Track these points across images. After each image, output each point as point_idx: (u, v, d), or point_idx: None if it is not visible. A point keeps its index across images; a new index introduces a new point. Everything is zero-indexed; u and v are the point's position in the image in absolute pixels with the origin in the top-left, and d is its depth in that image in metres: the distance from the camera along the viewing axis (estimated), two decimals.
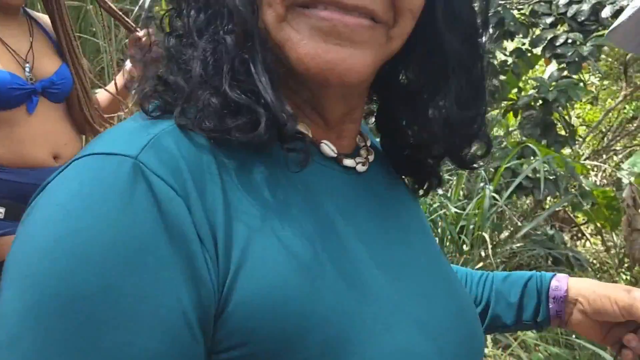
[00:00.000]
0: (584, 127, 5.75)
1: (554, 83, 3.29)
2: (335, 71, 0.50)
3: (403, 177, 0.72)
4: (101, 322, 0.40)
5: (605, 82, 6.11)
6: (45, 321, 0.41)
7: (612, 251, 5.35)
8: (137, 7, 3.18)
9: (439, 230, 3.43)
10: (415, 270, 0.59)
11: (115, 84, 1.87)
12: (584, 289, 0.82)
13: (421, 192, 0.72)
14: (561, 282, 0.83)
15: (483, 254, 3.45)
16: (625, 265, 5.09)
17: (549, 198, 4.85)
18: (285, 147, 0.51)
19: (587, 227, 5.73)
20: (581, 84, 3.49)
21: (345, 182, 0.59)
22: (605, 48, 5.89)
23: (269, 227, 0.48)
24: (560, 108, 3.34)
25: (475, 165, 0.68)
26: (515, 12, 3.66)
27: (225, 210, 0.46)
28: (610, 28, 1.04)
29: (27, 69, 1.64)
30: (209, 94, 0.50)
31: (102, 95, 1.92)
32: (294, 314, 0.45)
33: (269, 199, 0.50)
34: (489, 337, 2.87)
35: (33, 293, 0.41)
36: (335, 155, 0.59)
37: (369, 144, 0.67)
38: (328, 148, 0.58)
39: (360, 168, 0.61)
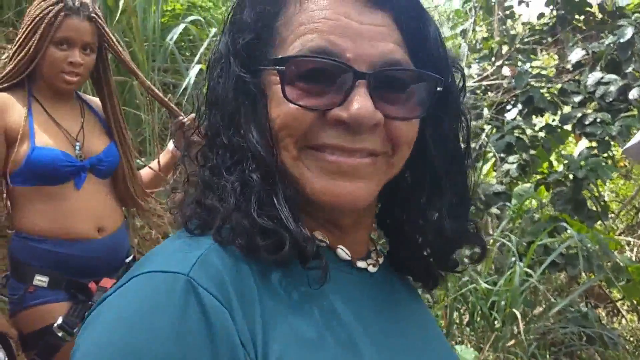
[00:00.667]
0: (618, 202, 5.68)
1: (583, 161, 3.31)
2: (344, 201, 0.60)
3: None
4: None
5: None
6: None
7: None
8: (183, 83, 3.36)
9: (469, 304, 3.39)
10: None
11: (159, 161, 1.97)
12: None
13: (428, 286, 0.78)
14: None
15: (515, 330, 3.38)
16: None
17: (583, 274, 4.75)
18: (307, 266, 0.59)
19: (624, 304, 5.56)
20: (610, 162, 3.49)
21: (356, 283, 0.66)
22: (638, 125, 5.91)
23: (298, 338, 0.55)
24: (590, 185, 3.33)
25: (458, 269, 0.75)
26: (544, 90, 3.73)
27: (262, 321, 0.53)
28: (626, 146, 1.10)
29: (77, 147, 1.74)
30: (241, 216, 0.58)
31: (144, 172, 2.02)
32: None
33: (296, 312, 0.57)
34: None
35: None
36: (350, 258, 0.67)
37: (378, 249, 0.75)
38: (343, 252, 0.67)
39: (371, 269, 0.69)
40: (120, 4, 2.91)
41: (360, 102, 0.58)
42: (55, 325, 1.63)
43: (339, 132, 0.60)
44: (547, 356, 3.64)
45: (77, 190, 1.72)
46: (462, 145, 0.71)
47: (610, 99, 3.37)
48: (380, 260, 0.73)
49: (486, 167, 4.66)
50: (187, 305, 0.50)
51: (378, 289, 0.69)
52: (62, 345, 1.64)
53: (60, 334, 1.63)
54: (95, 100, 1.90)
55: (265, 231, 0.58)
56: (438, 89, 0.63)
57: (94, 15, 1.73)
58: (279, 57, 0.60)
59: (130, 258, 1.86)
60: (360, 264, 0.68)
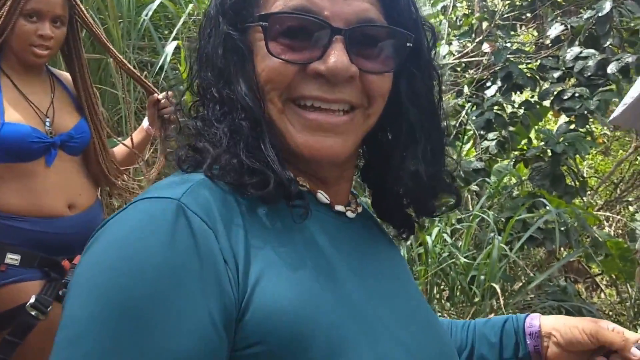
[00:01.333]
0: (596, 178, 5.74)
1: (562, 136, 3.33)
2: (323, 154, 0.67)
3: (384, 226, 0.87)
4: (151, 326, 0.53)
5: (617, 133, 6.13)
6: (107, 324, 0.52)
7: (628, 303, 5.26)
8: (158, 60, 3.31)
9: (449, 279, 3.42)
10: (399, 300, 0.73)
11: (132, 139, 1.94)
12: (555, 323, 0.90)
13: (402, 235, 0.86)
14: (534, 319, 0.93)
15: (495, 305, 3.42)
16: None
17: (562, 249, 4.82)
18: (290, 203, 0.65)
19: (602, 279, 5.66)
20: (589, 137, 3.52)
21: (336, 224, 0.73)
22: (616, 99, 5.96)
23: (279, 259, 0.61)
24: (569, 160, 3.36)
25: (436, 213, 0.81)
26: (523, 66, 3.74)
27: (245, 243, 0.60)
28: (614, 114, 1.11)
29: (47, 123, 1.71)
30: (230, 157, 0.65)
31: (119, 149, 1.99)
32: (298, 322, 0.57)
33: (279, 238, 0.63)
34: None
35: (97, 302, 0.53)
36: (329, 202, 0.73)
37: (358, 201, 0.81)
38: (322, 196, 0.73)
39: (349, 214, 0.75)
40: None
41: (337, 56, 0.64)
42: (28, 304, 1.62)
43: (319, 85, 0.66)
44: None
45: (48, 167, 1.69)
46: (435, 98, 0.76)
47: (589, 74, 3.39)
48: (359, 209, 0.78)
49: (467, 146, 4.69)
50: (176, 225, 0.57)
51: (356, 233, 0.75)
52: (35, 324, 1.62)
53: (33, 313, 1.61)
54: (66, 75, 1.86)
55: (253, 171, 0.64)
56: (408, 44, 0.68)
57: None
58: (262, 14, 0.66)
59: None
60: (339, 207, 0.74)
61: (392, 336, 0.65)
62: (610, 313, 5.63)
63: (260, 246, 0.61)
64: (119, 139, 2.99)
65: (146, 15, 2.98)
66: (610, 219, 5.60)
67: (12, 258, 1.65)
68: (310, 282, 0.61)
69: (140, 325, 0.53)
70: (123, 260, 0.55)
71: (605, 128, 6.34)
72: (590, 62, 3.32)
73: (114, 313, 0.53)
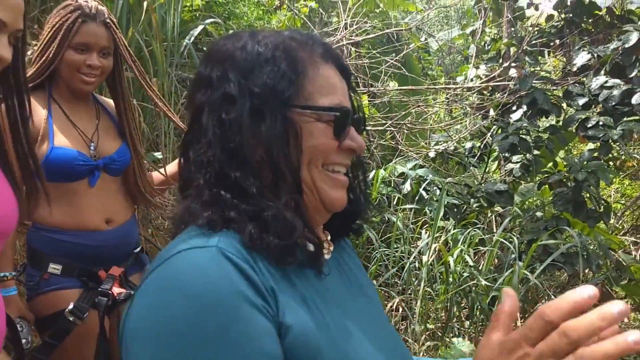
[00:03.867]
0: (622, 203, 5.72)
1: (585, 164, 3.38)
2: (342, 205, 0.88)
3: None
4: (227, 349, 0.65)
5: None
6: (191, 352, 0.64)
7: None
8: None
9: (469, 299, 3.49)
10: (376, 323, 0.91)
11: (165, 170, 2.08)
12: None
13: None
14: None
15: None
16: None
17: (586, 270, 4.83)
18: (317, 268, 0.83)
19: (627, 302, 5.62)
20: (612, 165, 3.56)
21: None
22: None
23: (290, 296, 0.75)
24: (591, 187, 3.41)
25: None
26: (549, 93, 3.80)
27: (272, 280, 0.73)
28: None
29: (92, 147, 1.85)
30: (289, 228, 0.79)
31: (156, 175, 2.13)
32: (314, 343, 0.72)
33: (286, 280, 0.77)
34: None
35: (177, 340, 0.64)
36: (328, 257, 0.90)
37: (328, 238, 0.96)
38: (327, 252, 0.90)
39: (327, 256, 0.90)
40: (144, 4, 3.03)
41: (359, 137, 0.88)
42: (67, 310, 1.75)
43: (347, 156, 0.87)
44: None
45: (91, 187, 1.83)
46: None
47: (614, 103, 3.43)
48: (331, 248, 0.93)
49: (493, 167, 4.75)
50: (223, 264, 0.69)
51: (336, 270, 0.92)
52: (72, 328, 1.75)
53: (71, 318, 1.74)
54: (110, 103, 1.99)
55: (293, 247, 0.78)
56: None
57: (109, 21, 1.82)
58: (325, 105, 0.82)
59: (138, 249, 1.97)
60: (327, 256, 0.90)
61: (376, 354, 0.82)
62: None
63: (278, 283, 0.74)
64: (158, 153, 3.18)
65: (189, 40, 3.16)
66: (637, 244, 5.57)
67: (55, 267, 1.79)
68: (318, 318, 0.76)
69: (218, 350, 0.64)
70: (191, 299, 0.65)
71: (636, 151, 6.31)
72: (615, 92, 3.37)
73: (196, 345, 0.64)
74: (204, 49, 4.00)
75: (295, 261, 0.77)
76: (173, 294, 0.67)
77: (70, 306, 1.76)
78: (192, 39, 3.16)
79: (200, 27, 3.28)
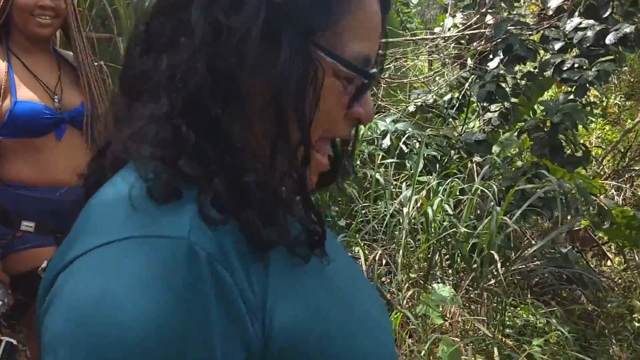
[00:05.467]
0: (603, 148, 5.76)
1: (561, 106, 3.38)
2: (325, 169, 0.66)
3: None
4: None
5: (628, 103, 6.12)
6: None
7: (635, 271, 5.31)
8: None
9: (449, 247, 3.54)
10: (366, 285, 0.76)
11: None
12: None
13: None
14: None
15: (496, 271, 3.53)
16: None
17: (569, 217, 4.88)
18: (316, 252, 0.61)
19: (610, 247, 5.72)
20: (589, 108, 3.56)
21: None
22: (626, 69, 5.92)
23: (288, 283, 0.56)
24: (567, 130, 3.42)
25: None
26: (524, 38, 3.77)
27: (264, 277, 0.54)
28: None
29: (56, 100, 1.83)
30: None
31: None
32: (315, 337, 0.56)
33: (284, 262, 0.58)
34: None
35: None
36: None
37: None
38: None
39: None
40: None
41: (371, 103, 0.64)
42: (40, 268, 1.73)
43: (350, 126, 0.64)
44: (529, 295, 3.81)
45: (58, 141, 1.81)
46: None
47: (588, 44, 3.41)
48: None
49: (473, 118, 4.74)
50: (192, 271, 0.49)
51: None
52: None
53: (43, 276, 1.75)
54: (71, 55, 1.97)
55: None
56: None
57: None
58: (355, 52, 0.59)
59: None
60: None
61: (376, 323, 0.67)
62: (620, 281, 5.70)
63: (273, 271, 0.55)
64: None
65: None
66: (620, 189, 5.63)
67: (27, 225, 1.79)
68: (317, 297, 0.59)
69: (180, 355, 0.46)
70: (141, 325, 0.46)
71: (619, 98, 6.32)
72: (589, 33, 3.35)
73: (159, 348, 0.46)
74: None
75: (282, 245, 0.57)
76: (118, 301, 0.47)
77: (44, 264, 1.76)
78: None
79: None
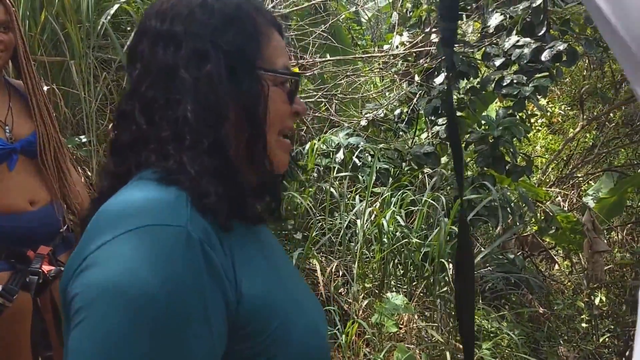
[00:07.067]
0: (547, 157, 6.02)
1: (500, 121, 3.56)
2: (285, 168, 0.91)
3: None
4: (185, 323, 0.65)
5: (571, 113, 6.42)
6: (146, 340, 0.63)
7: (582, 273, 5.56)
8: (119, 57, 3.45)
9: (402, 256, 3.66)
10: (295, 272, 0.98)
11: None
12: None
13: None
14: None
15: (447, 278, 3.67)
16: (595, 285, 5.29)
17: (517, 224, 5.08)
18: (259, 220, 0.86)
19: (558, 251, 5.96)
20: (527, 121, 3.75)
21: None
22: (567, 80, 6.23)
23: (247, 259, 0.78)
24: (507, 143, 3.60)
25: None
26: (467, 55, 3.95)
27: (230, 252, 0.74)
28: None
29: (7, 130, 1.84)
30: (219, 188, 0.78)
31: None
32: (268, 305, 0.76)
33: (242, 242, 0.79)
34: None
35: (146, 315, 0.64)
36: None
37: None
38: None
39: None
40: None
41: (301, 100, 0.90)
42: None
43: (293, 120, 0.89)
44: (480, 301, 3.96)
45: (10, 171, 1.82)
46: None
47: (525, 61, 3.61)
48: None
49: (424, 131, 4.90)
50: (189, 249, 0.69)
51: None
52: (2, 310, 1.76)
53: (0, 301, 1.75)
54: (22, 84, 1.97)
55: (241, 203, 0.81)
56: None
57: None
58: (279, 68, 0.84)
59: (65, 227, 1.98)
60: None
61: (307, 302, 0.89)
62: (568, 283, 5.95)
63: (236, 252, 0.75)
64: (83, 136, 3.16)
65: (105, 19, 3.13)
66: (565, 195, 5.89)
67: None
68: (267, 273, 0.80)
69: (178, 322, 0.65)
70: (160, 282, 0.65)
71: (563, 108, 6.62)
72: (526, 50, 3.55)
73: (156, 319, 0.64)
74: (128, 29, 3.96)
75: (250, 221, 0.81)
76: (143, 271, 0.65)
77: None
78: (109, 17, 3.13)
79: (117, 6, 3.25)
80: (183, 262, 0.67)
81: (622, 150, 5.99)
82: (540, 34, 3.63)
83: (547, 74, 3.56)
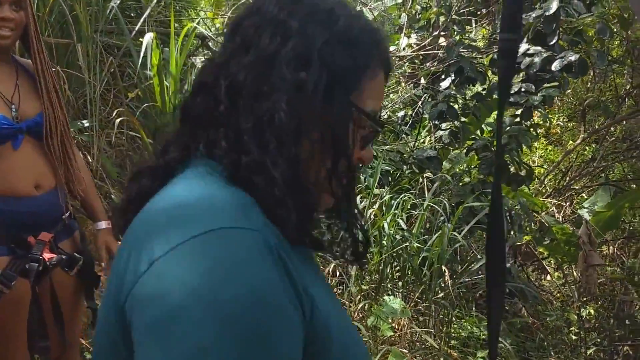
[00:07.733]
0: (546, 168, 6.03)
1: (507, 128, 3.54)
2: None
3: None
4: (272, 333, 0.61)
5: (570, 125, 6.44)
6: (235, 338, 0.59)
7: (573, 285, 5.57)
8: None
9: (401, 260, 3.63)
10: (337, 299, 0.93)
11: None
12: None
13: None
14: None
15: (443, 284, 3.65)
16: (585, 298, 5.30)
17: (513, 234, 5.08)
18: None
19: (550, 262, 5.97)
20: (533, 130, 3.74)
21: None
22: (569, 92, 6.24)
23: (311, 281, 0.72)
24: (512, 151, 3.58)
25: None
26: (476, 60, 3.93)
27: (300, 269, 0.69)
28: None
29: (13, 109, 1.79)
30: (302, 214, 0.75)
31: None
32: (331, 325, 0.71)
33: (304, 265, 0.74)
34: None
35: (232, 327, 0.59)
36: None
37: None
38: None
39: None
40: None
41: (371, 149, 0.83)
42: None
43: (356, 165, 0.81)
44: (474, 308, 3.95)
45: (15, 150, 1.78)
46: None
47: (535, 70, 3.59)
48: None
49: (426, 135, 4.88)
50: (265, 253, 0.64)
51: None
52: None
53: None
54: (31, 63, 1.93)
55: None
56: None
57: None
58: (368, 110, 0.77)
59: (67, 214, 1.93)
60: None
61: (355, 330, 0.85)
62: (558, 295, 5.96)
63: (300, 267, 0.69)
64: (84, 121, 3.10)
65: (115, 3, 3.07)
66: (560, 206, 5.90)
67: None
68: (325, 294, 0.75)
69: (263, 332, 0.60)
70: (244, 290, 0.60)
71: (559, 120, 6.64)
72: (537, 59, 3.53)
73: (242, 329, 0.59)
74: (132, 15, 3.90)
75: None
76: (227, 279, 0.61)
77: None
78: (119, 2, 3.07)
79: None
80: (263, 268, 0.63)
81: (618, 165, 6.01)
82: (551, 43, 3.61)
83: (556, 83, 3.54)
